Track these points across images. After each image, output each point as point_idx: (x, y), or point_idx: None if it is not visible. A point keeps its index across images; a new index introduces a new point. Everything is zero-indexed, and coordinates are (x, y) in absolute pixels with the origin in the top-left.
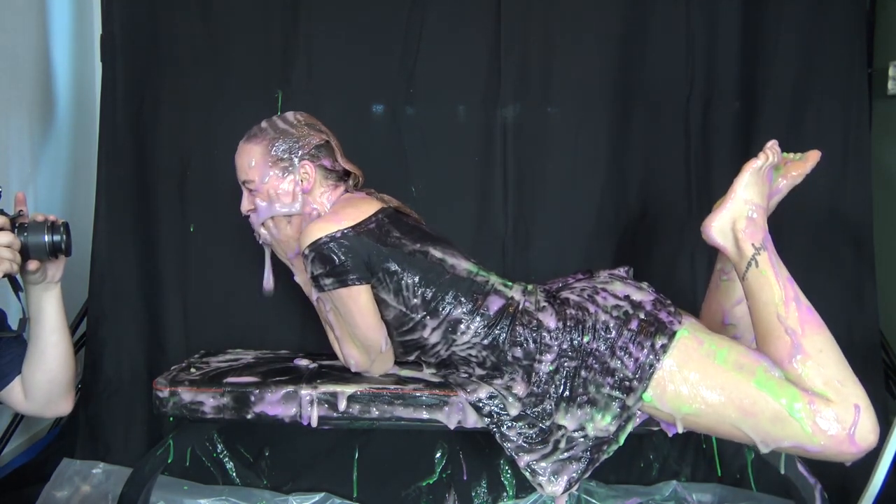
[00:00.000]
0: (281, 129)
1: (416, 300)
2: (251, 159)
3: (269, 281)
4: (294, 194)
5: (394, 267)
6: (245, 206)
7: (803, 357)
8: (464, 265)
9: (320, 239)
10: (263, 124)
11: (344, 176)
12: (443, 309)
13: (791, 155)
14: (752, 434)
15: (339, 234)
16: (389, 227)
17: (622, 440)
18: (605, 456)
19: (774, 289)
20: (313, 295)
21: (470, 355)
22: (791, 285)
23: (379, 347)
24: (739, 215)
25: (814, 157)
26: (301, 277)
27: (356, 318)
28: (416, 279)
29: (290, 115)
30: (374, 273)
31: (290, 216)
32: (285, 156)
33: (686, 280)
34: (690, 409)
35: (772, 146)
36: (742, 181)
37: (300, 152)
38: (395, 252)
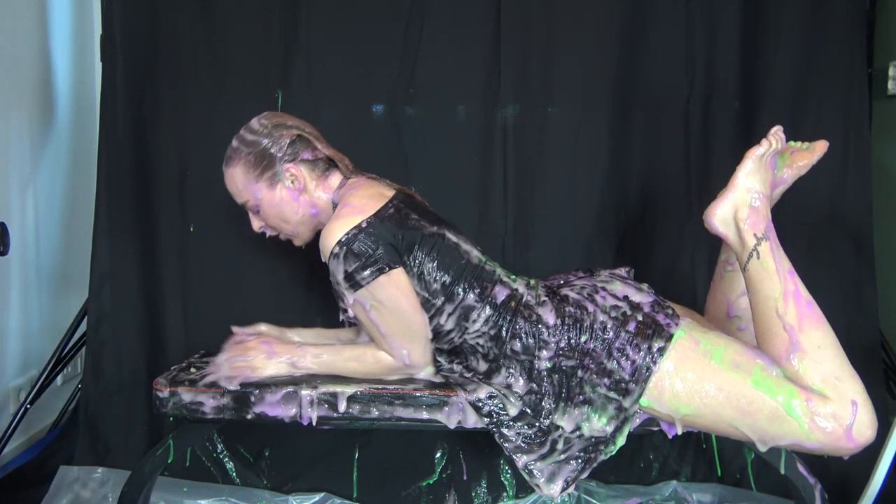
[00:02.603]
0: (249, 141)
1: (436, 285)
2: (236, 182)
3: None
4: (290, 199)
5: (416, 250)
6: (254, 225)
7: (800, 354)
8: (475, 252)
9: (347, 234)
10: (234, 143)
11: (332, 163)
12: (457, 295)
13: (798, 144)
14: (749, 433)
15: (364, 224)
16: (407, 210)
17: (620, 442)
18: (603, 457)
19: (775, 282)
20: (348, 298)
21: (478, 344)
22: (791, 278)
23: (427, 331)
24: (742, 203)
25: (821, 147)
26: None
27: (402, 302)
28: (435, 263)
29: (254, 122)
30: (401, 256)
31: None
32: (266, 167)
33: (686, 280)
34: (688, 409)
35: (775, 132)
36: (745, 169)
37: (277, 157)
38: (416, 234)
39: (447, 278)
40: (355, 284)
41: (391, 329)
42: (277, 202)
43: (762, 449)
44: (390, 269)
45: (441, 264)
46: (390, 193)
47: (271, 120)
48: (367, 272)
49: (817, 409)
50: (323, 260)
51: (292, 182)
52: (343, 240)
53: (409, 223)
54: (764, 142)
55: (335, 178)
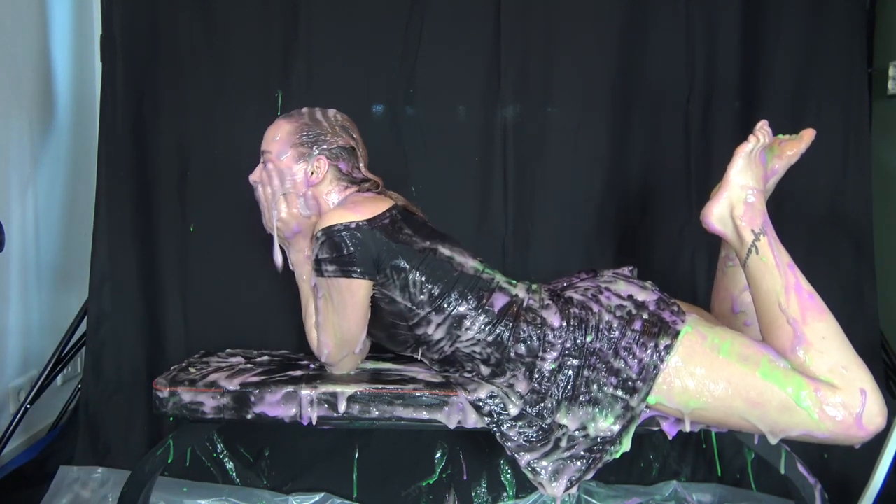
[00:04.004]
0: (316, 119)
1: (422, 296)
2: (278, 133)
3: (277, 258)
4: (301, 182)
5: (402, 264)
6: (254, 175)
7: (806, 346)
8: (471, 263)
9: (335, 225)
10: (304, 109)
11: (360, 183)
12: (448, 305)
13: (785, 136)
14: (760, 425)
15: (353, 225)
16: (402, 223)
17: (626, 442)
18: (609, 457)
19: (775, 276)
20: (312, 278)
21: (474, 352)
22: (792, 271)
23: (356, 345)
24: (737, 201)
25: (809, 135)
26: (296, 257)
27: (347, 311)
28: (424, 277)
29: (331, 111)
30: (382, 270)
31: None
32: (307, 143)
33: (686, 280)
34: (698, 403)
35: (761, 127)
36: (736, 166)
37: (322, 146)
38: (406, 249)
39: (436, 290)
40: (319, 271)
41: (326, 323)
42: (287, 171)
43: (773, 441)
44: (353, 277)
45: (430, 277)
46: (390, 204)
47: (344, 120)
48: (332, 267)
49: (826, 399)
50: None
51: (313, 172)
52: (329, 228)
53: (401, 237)
54: (751, 137)
55: (350, 192)
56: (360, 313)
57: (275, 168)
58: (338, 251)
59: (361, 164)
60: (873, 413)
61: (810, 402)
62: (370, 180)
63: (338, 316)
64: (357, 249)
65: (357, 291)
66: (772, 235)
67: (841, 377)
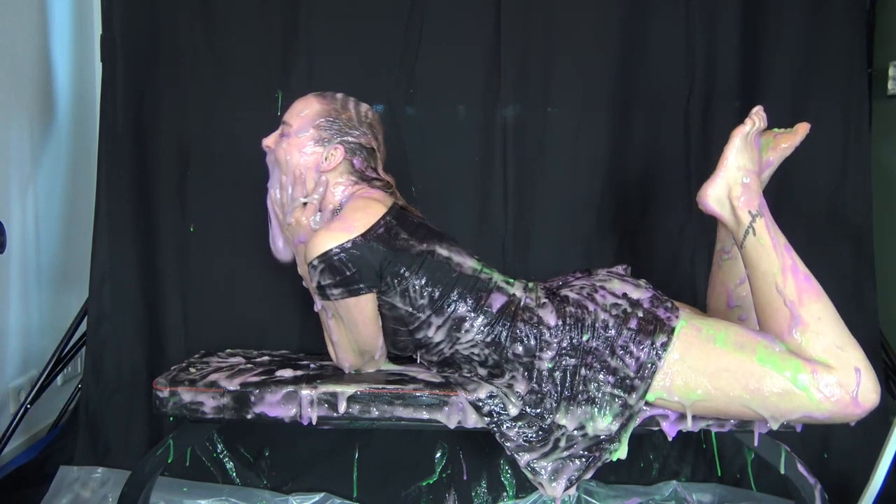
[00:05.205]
0: (348, 109)
1: (422, 300)
2: (305, 109)
3: (275, 241)
4: (313, 162)
5: (402, 270)
6: (268, 140)
7: (802, 328)
8: (469, 263)
9: (331, 250)
10: (339, 95)
11: (371, 181)
12: (448, 307)
13: (780, 130)
14: (761, 411)
15: (349, 245)
16: (397, 228)
17: (624, 442)
18: (608, 456)
19: (772, 257)
20: (317, 302)
21: (472, 353)
22: (788, 253)
23: (374, 353)
24: (734, 182)
25: (803, 129)
26: (303, 268)
27: (359, 326)
28: (424, 280)
29: (364, 107)
30: (383, 278)
31: (305, 204)
32: (330, 129)
33: (686, 280)
34: (698, 395)
35: (757, 111)
36: (732, 148)
37: (343, 137)
38: (403, 255)
39: (436, 292)
40: (324, 296)
41: (341, 341)
42: (301, 150)
43: (774, 427)
44: (360, 293)
45: (430, 280)
46: (384, 210)
47: (373, 117)
48: (337, 290)
49: (823, 380)
50: (306, 262)
51: (326, 157)
52: (325, 255)
53: (398, 243)
54: (748, 120)
55: (357, 187)
56: (371, 325)
57: (289, 144)
58: (340, 274)
59: (379, 166)
60: (868, 390)
61: (808, 384)
62: (383, 180)
63: (351, 332)
64: (356, 266)
65: (365, 306)
66: (768, 217)
67: (836, 357)
